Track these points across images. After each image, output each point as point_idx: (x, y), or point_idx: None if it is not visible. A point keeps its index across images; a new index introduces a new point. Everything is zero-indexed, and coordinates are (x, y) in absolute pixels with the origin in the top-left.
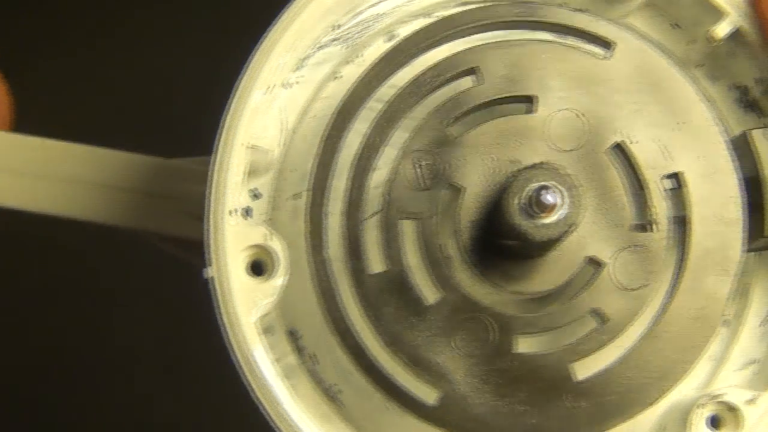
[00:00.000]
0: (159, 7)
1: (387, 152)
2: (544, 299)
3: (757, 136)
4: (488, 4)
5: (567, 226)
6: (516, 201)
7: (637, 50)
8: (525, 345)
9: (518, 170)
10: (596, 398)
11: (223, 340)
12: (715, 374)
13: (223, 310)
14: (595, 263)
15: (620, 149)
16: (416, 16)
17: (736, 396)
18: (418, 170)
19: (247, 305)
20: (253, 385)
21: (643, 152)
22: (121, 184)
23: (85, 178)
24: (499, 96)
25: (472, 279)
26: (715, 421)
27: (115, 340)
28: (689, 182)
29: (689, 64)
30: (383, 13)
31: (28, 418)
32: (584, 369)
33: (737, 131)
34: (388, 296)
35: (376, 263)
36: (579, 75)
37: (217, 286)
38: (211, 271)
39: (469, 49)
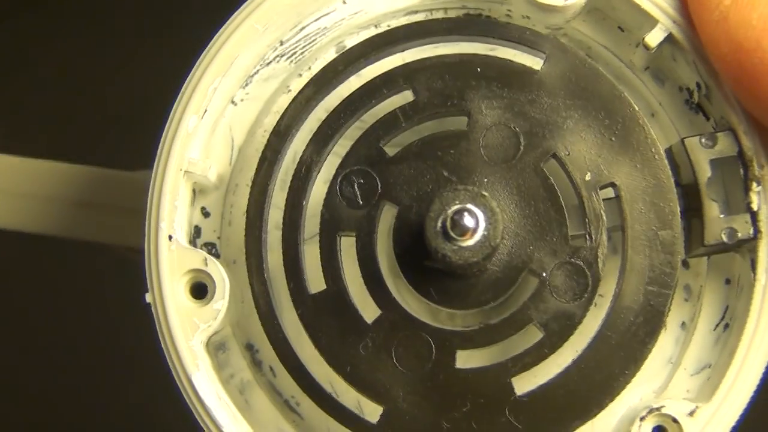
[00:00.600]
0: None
1: (326, 169)
2: (483, 314)
3: (692, 144)
4: (433, 16)
5: (488, 249)
6: (435, 224)
7: (570, 61)
8: (465, 360)
9: (437, 193)
10: (538, 412)
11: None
12: (671, 378)
13: (162, 336)
14: (534, 276)
15: (556, 161)
16: (364, 27)
17: (677, 408)
18: (355, 188)
19: (186, 330)
20: (194, 409)
21: (578, 163)
22: (84, 199)
23: (46, 193)
24: (434, 111)
25: (411, 296)
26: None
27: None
28: (625, 192)
29: (635, 67)
30: (327, 27)
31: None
32: (525, 383)
33: (684, 134)
34: (328, 315)
35: (315, 282)
36: (512, 87)
37: (156, 312)
38: (149, 297)
39: (405, 64)
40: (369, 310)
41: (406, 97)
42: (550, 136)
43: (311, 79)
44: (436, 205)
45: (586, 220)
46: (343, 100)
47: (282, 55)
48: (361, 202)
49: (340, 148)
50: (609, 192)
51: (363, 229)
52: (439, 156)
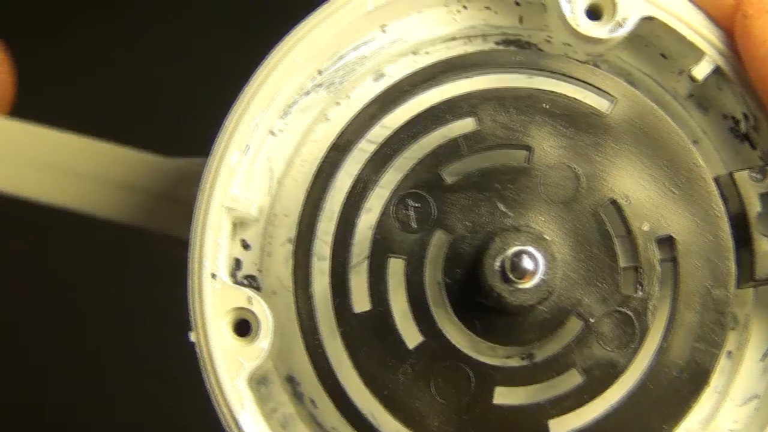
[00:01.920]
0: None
1: (379, 193)
2: (526, 352)
3: (742, 178)
4: (484, 48)
5: (544, 293)
6: (493, 264)
7: (638, 107)
8: (504, 397)
9: (498, 232)
10: None
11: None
12: (718, 408)
13: (207, 376)
14: (581, 320)
15: (614, 207)
16: (402, 55)
17: None
18: (409, 212)
19: (231, 369)
20: None
21: (637, 212)
22: (124, 181)
23: (85, 171)
24: (496, 143)
25: (455, 326)
26: None
27: (110, 339)
28: (682, 247)
29: (678, 95)
30: (367, 56)
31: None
32: (562, 426)
33: (729, 163)
34: (371, 336)
35: (360, 302)
36: (578, 128)
37: (201, 352)
38: (193, 336)
39: (470, 93)
40: (412, 336)
41: (468, 125)
42: (611, 182)
43: (376, 97)
44: (496, 244)
45: (640, 270)
46: (404, 123)
47: (320, 85)
48: (414, 227)
49: (397, 172)
50: (664, 244)
51: (414, 254)
52: (497, 189)
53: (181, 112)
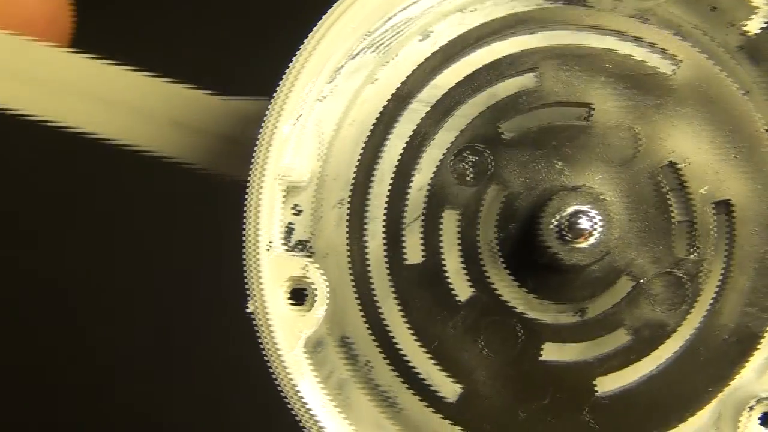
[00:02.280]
0: None
1: (436, 145)
2: (576, 310)
3: None
4: (530, 4)
5: (600, 254)
6: (549, 223)
7: (703, 71)
8: (552, 353)
9: (555, 190)
10: (618, 415)
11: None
12: None
13: (266, 346)
14: (633, 280)
15: (673, 169)
16: (449, 13)
17: None
18: (467, 165)
19: (289, 338)
20: (302, 416)
21: (696, 175)
22: (185, 120)
23: (147, 109)
24: (557, 100)
25: (506, 281)
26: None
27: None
28: (739, 211)
29: (729, 46)
30: (415, 16)
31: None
32: (608, 384)
33: None
34: (422, 287)
35: (413, 254)
36: (640, 89)
37: (259, 322)
38: (251, 306)
39: (534, 49)
40: (463, 289)
41: (530, 80)
42: (671, 144)
43: (438, 49)
44: (554, 203)
45: (695, 233)
46: (469, 74)
47: (368, 47)
48: (471, 180)
49: (451, 130)
50: (721, 208)
51: (469, 207)
52: (555, 146)
53: (245, 51)
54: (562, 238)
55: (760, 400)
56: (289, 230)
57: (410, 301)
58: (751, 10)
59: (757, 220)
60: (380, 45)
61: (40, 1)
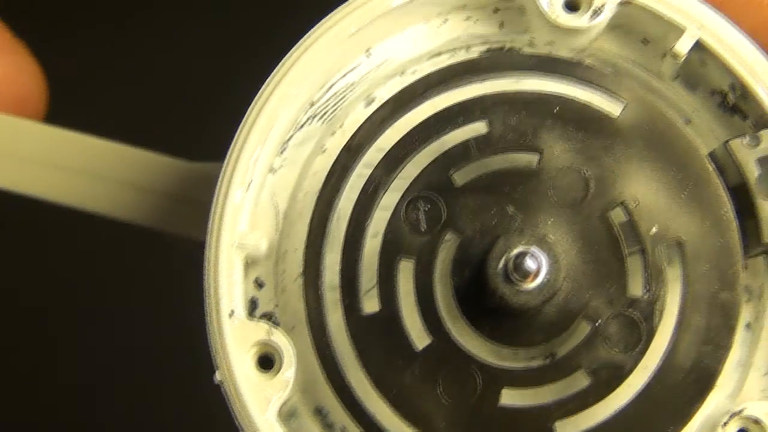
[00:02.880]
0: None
1: (385, 202)
2: (533, 354)
3: (736, 145)
4: (457, 56)
5: (547, 295)
6: (497, 265)
7: (647, 110)
8: (510, 398)
9: (502, 232)
10: None
11: None
12: (744, 381)
13: (237, 414)
14: (588, 322)
15: (623, 210)
16: (390, 77)
17: (757, 409)
18: (420, 214)
19: (260, 403)
20: None
21: (645, 215)
22: (144, 184)
23: (111, 175)
24: (506, 147)
25: (463, 328)
26: None
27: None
28: (690, 250)
29: (666, 77)
30: (355, 81)
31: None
32: (568, 428)
33: (724, 138)
34: (379, 337)
35: (370, 304)
36: (587, 131)
37: (228, 390)
38: (220, 375)
39: (482, 96)
40: (420, 338)
41: (480, 128)
42: (620, 185)
43: (387, 101)
44: (499, 245)
45: (647, 273)
46: (418, 124)
47: (314, 116)
48: (424, 228)
49: (405, 178)
50: (672, 247)
51: (423, 255)
52: (507, 192)
53: (201, 115)
54: (509, 280)
55: (732, 416)
56: (254, 304)
57: (367, 351)
58: (679, 32)
59: (707, 258)
60: (325, 113)
61: (10, 79)
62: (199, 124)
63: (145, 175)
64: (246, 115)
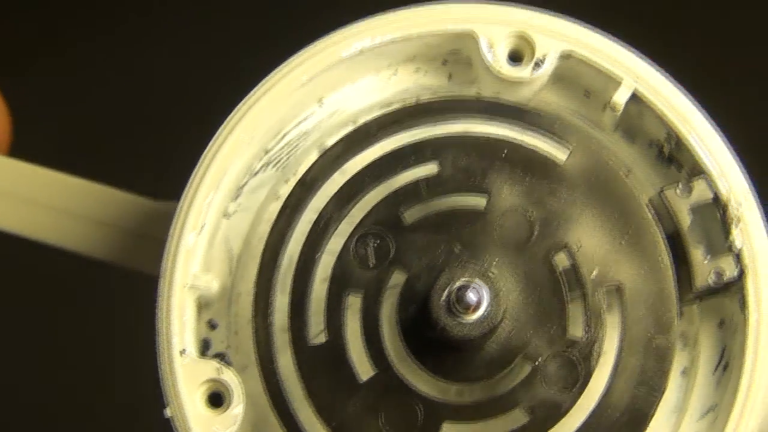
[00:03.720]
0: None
1: (335, 238)
2: (474, 390)
3: (670, 194)
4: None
5: (486, 328)
6: (440, 297)
7: (591, 157)
8: None
9: (447, 265)
10: None
11: None
12: (678, 426)
13: None
14: (528, 361)
15: (566, 253)
16: (342, 125)
17: None
18: (368, 250)
19: None
20: None
21: (587, 259)
22: (104, 219)
23: (76, 211)
24: (455, 187)
25: (407, 362)
26: None
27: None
28: (628, 295)
29: (606, 128)
30: (308, 130)
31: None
32: None
33: (660, 186)
34: (325, 367)
35: (317, 335)
36: (534, 175)
37: (178, 425)
38: (169, 411)
39: (434, 138)
40: (364, 369)
41: (431, 168)
42: (564, 228)
43: (342, 138)
44: (444, 277)
45: (587, 315)
46: (371, 163)
47: (268, 164)
48: (372, 264)
49: (359, 210)
50: (612, 292)
51: (370, 290)
52: (455, 231)
53: (164, 153)
54: (451, 312)
55: None
56: (206, 344)
57: (312, 379)
58: (616, 84)
59: (645, 303)
60: (279, 161)
61: None
62: (162, 162)
63: (107, 210)
64: (200, 160)
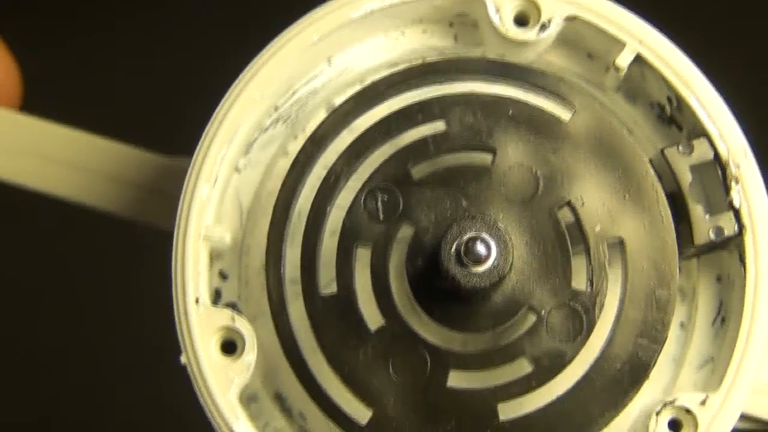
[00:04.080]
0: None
1: (345, 193)
2: (481, 339)
3: (671, 153)
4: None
5: (495, 278)
6: (450, 248)
7: (595, 117)
8: (457, 380)
9: (456, 219)
10: None
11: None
12: (678, 375)
13: (201, 393)
14: (533, 312)
15: (570, 209)
16: (350, 84)
17: (688, 400)
18: (378, 204)
19: (222, 385)
20: None
21: (590, 215)
22: (119, 174)
23: (82, 163)
24: (462, 145)
25: (415, 312)
26: (676, 424)
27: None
28: (630, 248)
29: (609, 89)
30: (317, 88)
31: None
32: (510, 410)
33: (662, 146)
34: (335, 317)
35: (328, 286)
36: (539, 134)
37: (193, 371)
38: (184, 358)
39: (442, 96)
40: (373, 319)
41: (438, 126)
42: (567, 185)
43: (352, 96)
44: (453, 230)
45: (590, 268)
46: (380, 120)
47: (277, 120)
48: (381, 218)
49: (369, 167)
50: (614, 245)
51: (379, 243)
52: (461, 186)
53: (178, 109)
54: (461, 263)
55: (665, 405)
56: (217, 294)
57: (323, 328)
58: (620, 46)
59: (647, 257)
60: (288, 117)
61: None
62: (175, 118)
63: (119, 166)
64: (214, 115)
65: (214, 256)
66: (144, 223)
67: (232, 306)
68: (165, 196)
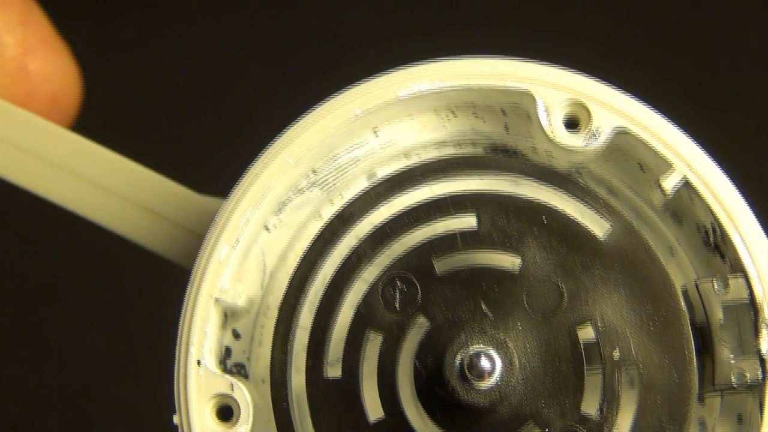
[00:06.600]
0: None
1: (364, 275)
2: None
3: (706, 288)
4: (462, 149)
5: (496, 396)
6: (453, 359)
7: (631, 237)
8: None
9: (465, 327)
10: None
11: None
12: None
13: None
14: (538, 429)
15: (591, 328)
16: (395, 157)
17: None
18: (396, 293)
19: None
20: None
21: (611, 339)
22: (155, 207)
23: (122, 191)
24: (491, 245)
25: (417, 410)
26: None
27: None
28: (646, 380)
29: (655, 205)
30: (360, 157)
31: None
32: None
33: (702, 273)
34: (335, 401)
35: (333, 369)
36: (570, 247)
37: None
38: (176, 419)
39: (477, 192)
40: (374, 411)
41: (468, 222)
42: (592, 304)
43: (385, 178)
44: (460, 340)
45: (604, 394)
46: (411, 207)
47: (314, 184)
48: (398, 308)
49: (392, 252)
50: (631, 374)
51: (392, 334)
52: (483, 289)
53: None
54: (463, 376)
55: None
56: (228, 353)
57: (321, 411)
58: (669, 168)
59: (663, 392)
60: (326, 182)
61: (44, 79)
62: (215, 157)
63: (155, 198)
64: (243, 177)
65: (230, 314)
66: (168, 258)
67: (240, 367)
68: (194, 235)
